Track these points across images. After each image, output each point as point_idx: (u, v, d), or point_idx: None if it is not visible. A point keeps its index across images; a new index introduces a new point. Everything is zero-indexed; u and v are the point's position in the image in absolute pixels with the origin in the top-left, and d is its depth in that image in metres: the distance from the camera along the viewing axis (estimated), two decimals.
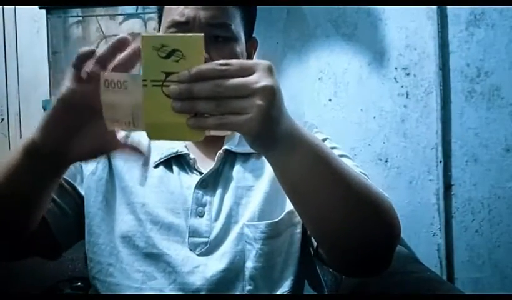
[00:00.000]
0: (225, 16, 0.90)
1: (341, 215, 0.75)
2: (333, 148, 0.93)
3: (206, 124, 0.61)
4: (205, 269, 0.88)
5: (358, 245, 0.77)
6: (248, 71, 0.61)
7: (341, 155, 0.90)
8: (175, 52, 0.62)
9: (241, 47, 0.93)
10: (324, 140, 0.97)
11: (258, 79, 0.61)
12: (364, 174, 0.88)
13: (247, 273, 0.88)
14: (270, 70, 0.62)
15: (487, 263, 1.78)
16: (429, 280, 1.29)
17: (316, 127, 1.03)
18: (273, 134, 0.65)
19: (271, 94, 0.61)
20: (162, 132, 0.64)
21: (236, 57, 0.91)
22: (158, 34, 0.63)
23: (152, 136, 0.66)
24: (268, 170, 0.94)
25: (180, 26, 0.89)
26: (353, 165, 0.88)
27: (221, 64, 0.60)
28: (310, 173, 0.71)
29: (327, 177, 0.73)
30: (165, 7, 0.92)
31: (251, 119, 0.60)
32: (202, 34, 0.61)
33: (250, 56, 1.00)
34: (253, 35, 1.01)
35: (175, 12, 0.89)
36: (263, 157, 0.96)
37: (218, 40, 0.90)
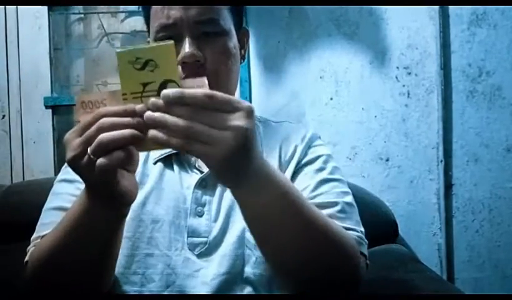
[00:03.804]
0: (211, 12, 0.90)
1: (298, 258, 0.78)
2: (321, 169, 0.94)
3: (170, 142, 0.62)
4: (205, 273, 0.87)
5: (311, 285, 0.80)
6: (230, 108, 0.63)
7: (328, 179, 0.93)
8: (149, 62, 0.64)
9: (233, 40, 0.93)
10: (318, 157, 0.97)
11: (237, 118, 0.62)
12: (347, 203, 0.90)
13: (246, 278, 0.88)
14: (250, 113, 0.64)
15: (488, 263, 1.78)
16: (429, 280, 1.29)
17: (319, 137, 1.03)
18: (235, 173, 0.67)
19: (244, 137, 0.63)
20: (146, 143, 0.65)
21: (229, 51, 0.91)
22: (130, 47, 0.66)
23: (137, 147, 0.67)
24: None
25: (169, 29, 0.89)
26: (339, 192, 0.91)
27: (207, 96, 0.62)
28: (272, 214, 0.74)
29: (287, 220, 0.76)
30: (151, 12, 0.92)
31: (216, 152, 0.62)
32: (172, 42, 0.65)
33: (243, 47, 1.00)
34: (244, 26, 1.01)
35: (162, 16, 0.89)
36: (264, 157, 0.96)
37: (209, 36, 0.90)
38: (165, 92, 0.62)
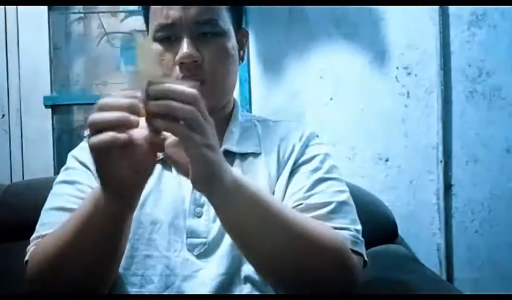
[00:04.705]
0: (210, 12, 0.90)
1: (280, 264, 0.79)
2: (318, 169, 0.94)
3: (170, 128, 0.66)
4: (204, 274, 0.87)
5: (302, 288, 0.81)
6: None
7: (324, 179, 0.93)
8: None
9: (231, 40, 0.93)
10: (315, 156, 0.97)
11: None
12: (342, 202, 0.91)
13: (245, 278, 0.89)
14: None
15: (487, 263, 1.78)
16: (428, 280, 1.29)
17: (318, 136, 1.03)
18: (211, 177, 0.70)
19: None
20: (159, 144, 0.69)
21: (227, 51, 0.92)
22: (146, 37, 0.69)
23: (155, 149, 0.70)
24: (267, 172, 0.94)
25: (167, 28, 0.89)
26: (334, 191, 0.91)
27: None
28: (247, 222, 0.76)
29: (262, 227, 0.77)
30: (151, 11, 0.92)
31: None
32: (147, 38, 0.67)
33: (241, 48, 1.00)
34: (243, 27, 1.01)
35: (161, 16, 0.89)
36: (262, 157, 0.96)
37: (207, 37, 0.90)
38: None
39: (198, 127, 0.65)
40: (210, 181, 0.70)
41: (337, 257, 0.82)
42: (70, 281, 0.80)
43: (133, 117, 0.66)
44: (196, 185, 0.71)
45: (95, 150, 0.66)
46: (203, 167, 0.68)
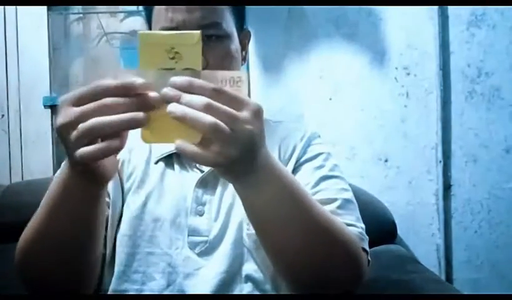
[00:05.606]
0: (214, 15, 0.89)
1: (300, 253, 0.78)
2: (321, 166, 0.94)
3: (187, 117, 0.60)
4: (205, 272, 0.87)
5: (314, 281, 0.81)
6: (238, 106, 0.62)
7: (328, 176, 0.93)
8: (171, 50, 0.62)
9: (235, 43, 0.93)
10: (318, 155, 0.97)
11: (244, 118, 0.61)
12: (347, 199, 0.91)
13: (246, 276, 0.89)
14: (258, 113, 0.63)
15: (486, 263, 1.78)
16: (427, 280, 1.29)
17: (319, 136, 1.02)
18: (239, 171, 0.66)
19: (249, 138, 0.62)
20: (158, 134, 0.62)
21: (231, 54, 0.91)
22: (154, 31, 0.62)
23: (146, 138, 0.63)
24: None
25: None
26: (339, 188, 0.91)
27: (215, 90, 0.60)
28: (275, 210, 0.74)
29: (290, 215, 0.75)
30: (154, 13, 0.91)
31: (220, 152, 0.61)
32: (199, 31, 0.62)
33: (244, 49, 1.00)
34: (245, 27, 1.00)
35: (165, 19, 0.88)
36: None
37: (211, 40, 0.89)
38: (173, 78, 0.60)
39: (210, 149, 0.61)
40: (231, 180, 0.70)
41: (352, 252, 0.82)
42: (49, 268, 0.79)
43: (135, 117, 0.60)
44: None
45: (86, 158, 0.61)
46: (225, 172, 0.67)
